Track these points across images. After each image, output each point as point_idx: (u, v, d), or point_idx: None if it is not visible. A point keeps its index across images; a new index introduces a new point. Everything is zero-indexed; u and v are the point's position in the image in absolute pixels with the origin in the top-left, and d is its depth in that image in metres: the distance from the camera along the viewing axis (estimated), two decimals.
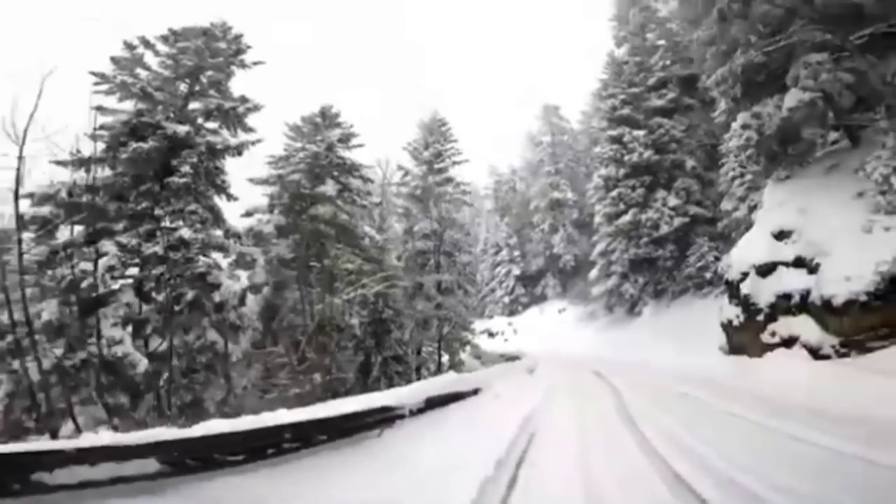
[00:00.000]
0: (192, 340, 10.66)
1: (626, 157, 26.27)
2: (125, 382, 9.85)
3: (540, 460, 4.92)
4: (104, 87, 14.35)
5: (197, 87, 15.60)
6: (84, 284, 9.92)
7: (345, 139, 20.66)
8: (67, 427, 10.25)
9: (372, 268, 17.73)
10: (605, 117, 28.79)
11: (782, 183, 14.36)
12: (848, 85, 12.76)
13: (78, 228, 11.68)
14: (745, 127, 13.93)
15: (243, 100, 15.70)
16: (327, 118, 21.52)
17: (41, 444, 2.53)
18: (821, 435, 5.45)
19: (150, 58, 15.22)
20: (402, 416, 4.99)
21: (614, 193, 26.76)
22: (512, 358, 22.98)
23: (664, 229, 24.82)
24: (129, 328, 10.93)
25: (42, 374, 9.67)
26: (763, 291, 11.59)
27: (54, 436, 10.43)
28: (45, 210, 10.51)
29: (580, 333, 33.18)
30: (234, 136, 15.30)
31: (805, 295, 10.38)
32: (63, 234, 11.79)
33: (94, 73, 14.17)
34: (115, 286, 10.62)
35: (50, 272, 10.05)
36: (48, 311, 9.57)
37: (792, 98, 12.94)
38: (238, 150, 14.11)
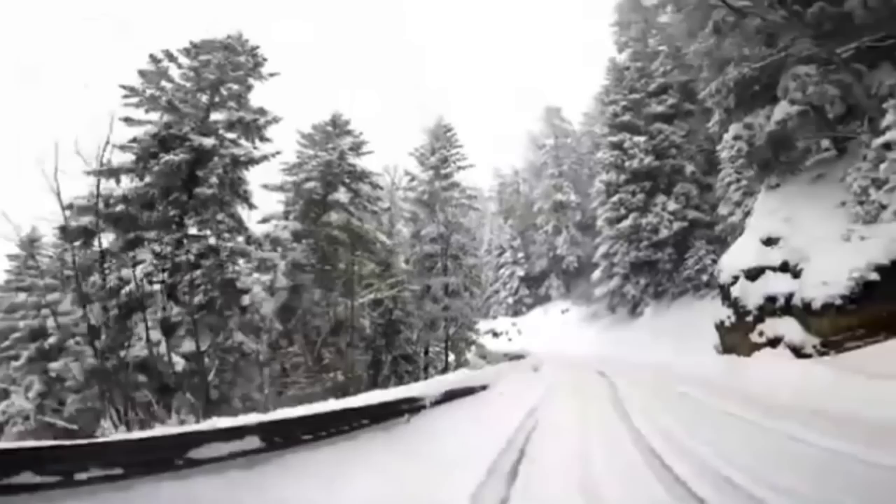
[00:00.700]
0: (222, 341, 11.50)
1: (627, 163, 27.05)
2: (160, 381, 10.71)
3: (541, 440, 5.78)
4: (133, 99, 15.27)
5: (217, 99, 16.48)
6: (124, 290, 10.76)
7: (356, 147, 21.56)
8: (106, 424, 11.13)
9: (383, 271, 18.63)
10: (606, 123, 29.55)
11: (773, 190, 15.11)
12: (837, 96, 13.46)
13: (110, 236, 12.66)
14: (736, 138, 14.70)
15: (262, 111, 16.54)
16: (338, 126, 22.42)
17: (190, 427, 3.27)
18: (781, 422, 6.38)
19: (173, 70, 16.19)
20: (424, 406, 5.83)
21: (615, 199, 27.55)
22: (516, 357, 23.76)
23: (664, 233, 25.61)
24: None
25: (85, 375, 10.53)
26: (752, 294, 12.36)
27: (90, 434, 11.33)
28: (85, 220, 11.37)
29: (583, 333, 33.97)
30: (254, 147, 16.20)
31: (789, 298, 11.16)
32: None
33: (123, 87, 15.06)
34: (151, 291, 11.46)
35: (92, 279, 10.89)
36: (92, 315, 10.42)
37: (780, 110, 13.69)
38: (259, 162, 14.95)
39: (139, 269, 11.34)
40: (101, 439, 2.86)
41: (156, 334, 10.77)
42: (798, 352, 10.56)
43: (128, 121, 15.19)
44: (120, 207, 12.08)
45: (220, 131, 15.76)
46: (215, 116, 16.23)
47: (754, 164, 15.24)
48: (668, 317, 25.88)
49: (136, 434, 3.35)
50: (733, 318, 13.17)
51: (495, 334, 28.21)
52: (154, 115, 15.58)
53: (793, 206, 13.49)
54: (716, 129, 17.79)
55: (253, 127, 15.89)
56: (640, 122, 28.01)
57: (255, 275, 15.45)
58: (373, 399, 5.15)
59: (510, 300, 47.81)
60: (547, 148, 49.41)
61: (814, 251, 11.15)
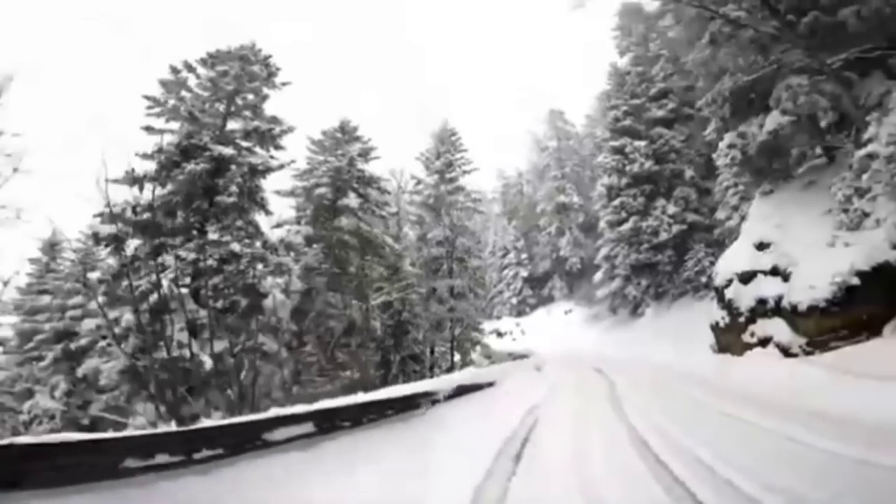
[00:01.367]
0: (244, 342, 12.22)
1: (628, 168, 27.69)
2: (187, 380, 11.43)
3: (543, 429, 6.48)
4: (156, 109, 16.01)
5: (233, 108, 17.22)
6: (154, 294, 11.49)
7: (364, 153, 22.31)
8: (137, 422, 11.84)
9: (391, 275, 19.34)
10: (608, 128, 30.18)
11: (767, 196, 15.72)
12: (828, 106, 14.00)
13: (135, 242, 13.39)
14: (731, 146, 15.30)
15: (276, 120, 17.27)
16: (346, 132, 23.18)
17: (259, 415, 3.94)
18: (754, 413, 7.22)
19: (191, 80, 16.91)
20: (438, 400, 6.53)
21: (616, 202, 28.20)
22: (520, 357, 24.38)
23: (663, 236, 26.25)
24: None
25: (119, 374, 11.26)
26: (744, 297, 13.00)
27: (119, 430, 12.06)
28: (116, 228, 12.11)
29: (586, 333, 34.62)
30: (269, 154, 16.92)
31: (778, 300, 11.81)
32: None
33: (147, 98, 15.83)
34: (178, 294, 12.18)
35: (125, 283, 11.62)
36: (125, 318, 11.15)
37: (772, 120, 14.29)
38: (275, 170, 15.68)
39: (165, 274, 12.03)
40: (207, 424, 3.54)
41: (183, 336, 11.47)
42: (786, 351, 11.21)
43: (148, 129, 15.98)
44: (147, 215, 12.78)
45: (238, 140, 16.54)
46: (232, 125, 16.97)
47: (748, 171, 15.82)
48: (669, 317, 26.50)
49: (226, 421, 4.04)
50: (727, 320, 13.81)
51: (499, 334, 28.86)
52: (174, 125, 16.35)
53: (785, 212, 14.10)
54: (713, 136, 18.42)
55: (268, 136, 16.63)
56: (641, 126, 28.63)
57: (270, 278, 16.17)
58: (395, 393, 5.87)
59: (514, 300, 48.46)
60: (550, 150, 50.07)
61: (802, 256, 11.78)
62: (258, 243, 14.61)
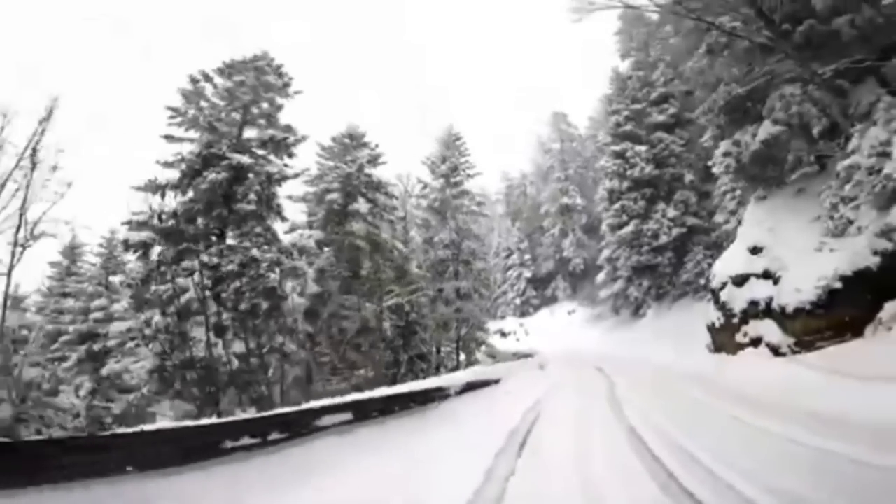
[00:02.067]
0: (264, 343, 12.97)
1: (629, 172, 28.34)
2: (213, 379, 12.18)
3: (544, 423, 7.21)
4: (177, 119, 16.74)
5: (248, 117, 17.93)
6: (181, 297, 12.25)
7: (373, 159, 23.02)
8: (163, 420, 12.59)
9: (400, 277, 20.07)
10: (609, 132, 30.80)
11: (761, 202, 16.35)
12: (819, 115, 14.56)
13: (158, 248, 14.14)
14: (726, 154, 15.95)
15: (290, 129, 17.97)
16: (355, 138, 23.90)
17: (310, 404, 4.67)
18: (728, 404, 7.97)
19: (208, 89, 17.61)
20: (449, 395, 7.24)
21: (618, 205, 28.85)
22: (524, 356, 25.00)
23: (663, 239, 26.89)
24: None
25: (149, 374, 12.02)
26: (737, 299, 13.66)
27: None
28: (144, 234, 12.87)
29: (588, 333, 35.24)
30: (282, 162, 17.62)
31: (769, 302, 12.47)
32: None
33: (170, 108, 16.57)
34: (202, 298, 12.93)
35: (153, 287, 12.39)
36: (155, 320, 11.91)
37: (765, 130, 14.91)
38: (291, 178, 16.43)
39: (188, 278, 12.78)
40: (274, 413, 4.27)
41: (212, 337, 12.21)
42: (776, 351, 11.87)
43: (168, 138, 16.72)
44: (171, 222, 13.54)
45: (254, 149, 17.26)
46: (247, 134, 17.69)
47: (743, 178, 16.45)
48: (669, 318, 27.11)
49: (287, 409, 4.78)
50: (722, 320, 14.47)
51: (503, 334, 29.52)
52: (192, 133, 17.07)
53: (777, 217, 14.75)
54: (710, 143, 19.04)
55: (283, 145, 17.37)
56: (642, 131, 29.25)
57: (288, 282, 16.89)
58: (414, 388, 6.61)
59: (518, 301, 49.08)
60: (553, 152, 50.70)
61: (792, 260, 12.44)
62: (275, 248, 15.34)
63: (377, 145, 23.55)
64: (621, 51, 33.87)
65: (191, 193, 15.43)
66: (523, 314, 47.70)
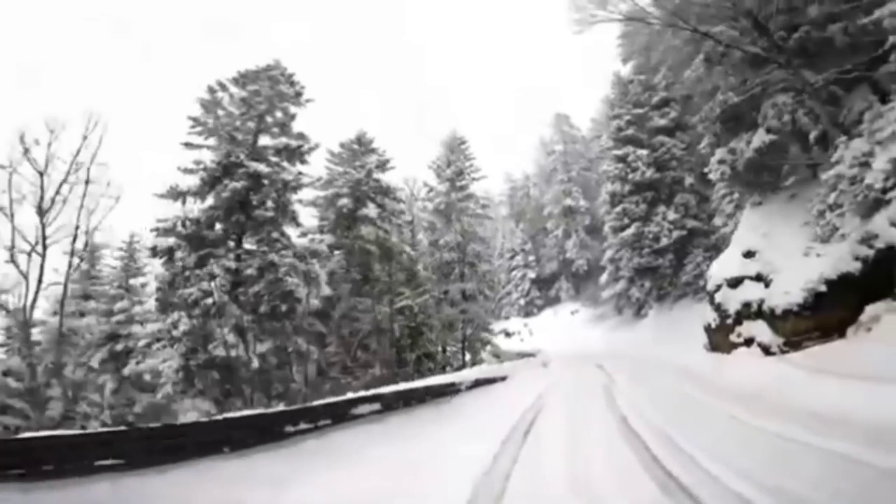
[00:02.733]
0: (282, 343, 13.74)
1: (630, 176, 28.99)
2: (233, 378, 12.96)
3: (545, 412, 7.97)
4: (198, 128, 17.53)
5: (262, 126, 18.70)
6: (206, 300, 13.02)
7: (381, 165, 23.79)
8: (188, 416, 13.33)
9: (408, 280, 20.84)
10: (611, 136, 31.43)
11: (756, 207, 16.97)
12: (810, 123, 15.13)
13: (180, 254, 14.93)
14: (721, 162, 16.57)
15: (303, 137, 18.74)
16: (363, 144, 24.67)
17: (348, 395, 5.43)
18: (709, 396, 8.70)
19: (225, 99, 18.36)
20: (460, 390, 7.99)
21: (619, 209, 29.51)
22: (528, 355, 25.69)
23: (664, 241, 27.55)
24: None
25: (175, 373, 12.79)
26: (731, 300, 14.30)
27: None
28: (171, 241, 13.66)
29: (591, 333, 35.88)
30: (296, 170, 18.37)
31: (760, 304, 13.11)
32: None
33: (190, 118, 17.37)
34: (224, 300, 13.71)
35: (179, 291, 13.16)
36: (182, 322, 12.69)
37: (758, 138, 15.54)
38: (305, 186, 17.21)
39: (210, 282, 13.55)
40: (321, 402, 5.03)
41: (234, 338, 12.99)
42: (766, 350, 12.53)
43: (187, 145, 17.51)
44: (193, 229, 14.33)
45: (269, 157, 18.00)
46: (262, 141, 18.45)
47: (738, 184, 17.07)
48: (670, 318, 27.75)
49: (330, 400, 5.54)
50: (717, 321, 15.12)
51: (508, 334, 30.27)
52: (211, 141, 17.82)
53: (771, 222, 15.38)
54: (707, 150, 19.64)
55: (297, 153, 18.15)
56: (644, 135, 29.87)
57: (303, 286, 17.61)
58: (430, 382, 7.38)
59: (522, 301, 49.73)
60: (556, 154, 51.30)
61: (782, 264, 13.10)
62: (290, 252, 16.11)
63: (385, 151, 24.35)
64: (623, 54, 34.24)
65: (210, 200, 16.23)
66: (527, 314, 48.35)
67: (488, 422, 6.72)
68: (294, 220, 16.78)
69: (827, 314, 11.15)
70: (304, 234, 20.92)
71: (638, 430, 6.19)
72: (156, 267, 15.63)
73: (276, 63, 19.47)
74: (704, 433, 6.05)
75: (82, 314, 21.27)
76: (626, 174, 29.23)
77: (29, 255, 12.48)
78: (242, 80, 18.77)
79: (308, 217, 22.64)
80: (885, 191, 10.32)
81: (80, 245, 12.30)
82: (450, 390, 7.46)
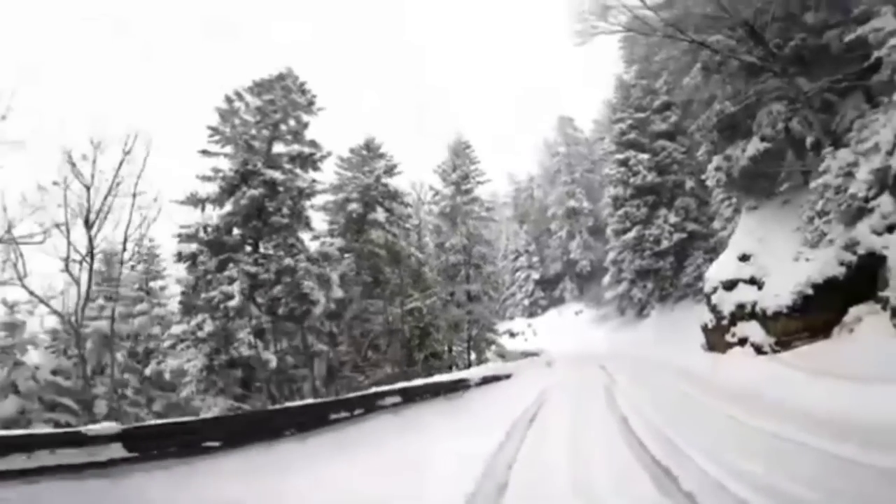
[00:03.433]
0: (298, 344, 14.50)
1: (632, 180, 29.64)
2: (254, 377, 13.72)
3: (548, 406, 8.70)
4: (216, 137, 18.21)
5: (277, 134, 19.39)
6: (228, 303, 13.79)
7: (389, 170, 24.50)
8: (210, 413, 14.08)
9: (416, 282, 21.59)
10: (613, 140, 32.08)
11: (752, 212, 17.60)
12: (803, 131, 15.70)
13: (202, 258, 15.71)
14: (717, 169, 17.24)
15: (315, 145, 19.42)
16: (372, 150, 25.38)
17: (375, 389, 6.24)
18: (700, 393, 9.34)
19: (241, 108, 19.03)
20: (470, 386, 8.72)
21: (621, 212, 30.18)
22: (532, 355, 26.36)
23: (665, 244, 28.21)
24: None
25: (199, 372, 13.56)
26: (727, 302, 14.98)
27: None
28: (193, 246, 14.43)
29: (594, 333, 36.51)
30: (310, 177, 19.06)
31: (753, 306, 13.79)
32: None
33: (210, 128, 18.07)
34: (243, 303, 14.47)
35: (202, 294, 13.93)
36: (206, 324, 13.46)
37: (752, 146, 16.18)
38: (319, 193, 17.96)
39: (232, 286, 14.32)
40: (355, 395, 5.79)
41: (253, 339, 13.76)
42: (759, 349, 13.22)
43: (205, 153, 18.22)
44: (214, 235, 15.10)
45: (284, 164, 18.70)
46: (276, 149, 19.14)
47: (734, 190, 17.72)
48: (671, 318, 28.38)
49: (361, 392, 6.29)
50: (714, 322, 15.82)
51: (512, 334, 30.89)
52: (228, 149, 18.53)
53: (766, 227, 16.03)
54: (704, 157, 20.29)
55: (310, 160, 18.86)
56: (645, 139, 30.50)
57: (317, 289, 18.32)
58: (443, 378, 8.13)
59: (526, 302, 50.37)
60: (560, 156, 51.92)
61: (774, 268, 13.79)
62: (304, 256, 16.85)
63: (392, 156, 25.04)
64: (625, 57, 34.91)
65: (228, 207, 16.97)
66: (531, 314, 48.97)
67: (498, 412, 7.45)
68: (308, 225, 17.50)
69: (814, 315, 11.83)
70: (315, 238, 21.64)
71: (638, 432, 6.83)
72: (177, 270, 16.40)
73: (288, 71, 20.09)
74: (704, 434, 6.70)
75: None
76: (627, 178, 29.88)
77: (80, 263, 13.65)
78: (258, 88, 19.44)
79: (319, 221, 23.39)
80: (867, 200, 10.96)
81: (127, 256, 13.59)
82: (461, 386, 8.18)
